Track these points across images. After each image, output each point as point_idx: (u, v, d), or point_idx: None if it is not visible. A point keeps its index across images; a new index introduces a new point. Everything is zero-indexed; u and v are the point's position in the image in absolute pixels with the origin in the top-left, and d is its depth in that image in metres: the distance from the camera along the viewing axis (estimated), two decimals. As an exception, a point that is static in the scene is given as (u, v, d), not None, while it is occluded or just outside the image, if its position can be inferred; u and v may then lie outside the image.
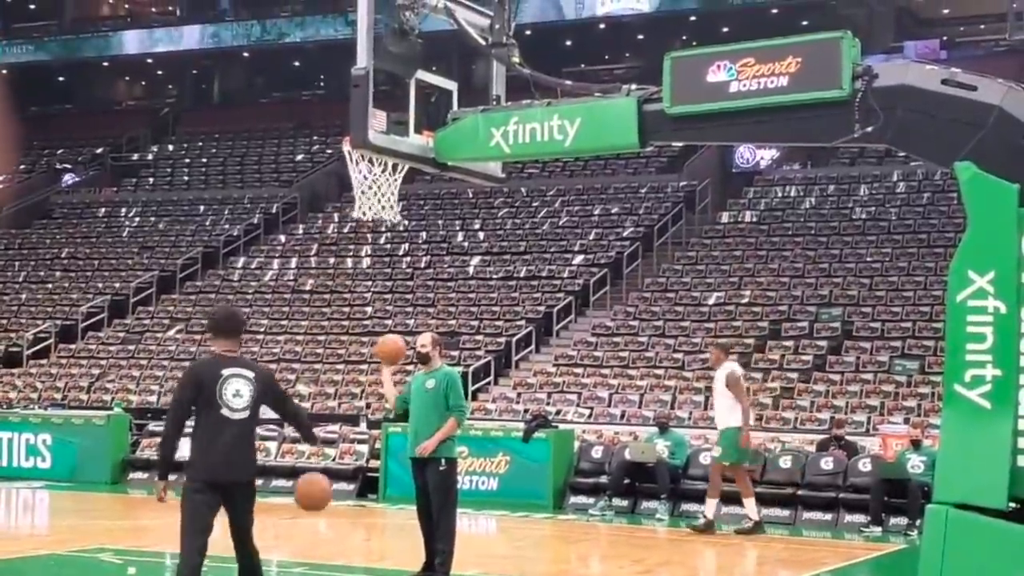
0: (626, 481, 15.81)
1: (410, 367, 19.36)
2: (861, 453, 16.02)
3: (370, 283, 27.03)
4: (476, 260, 27.20)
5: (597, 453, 16.53)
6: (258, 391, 7.22)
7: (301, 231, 31.24)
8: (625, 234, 27.25)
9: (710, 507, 13.95)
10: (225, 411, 7.11)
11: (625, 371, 21.64)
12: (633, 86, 8.88)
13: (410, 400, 9.79)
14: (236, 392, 7.15)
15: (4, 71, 42.58)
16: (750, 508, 13.89)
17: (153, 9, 43.28)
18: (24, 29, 42.58)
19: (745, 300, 23.50)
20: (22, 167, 39.29)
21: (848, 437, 16.71)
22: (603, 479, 16.05)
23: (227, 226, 32.03)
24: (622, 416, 19.87)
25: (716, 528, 13.86)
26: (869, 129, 7.77)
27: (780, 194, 28.51)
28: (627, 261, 26.11)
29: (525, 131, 8.99)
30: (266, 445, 18.11)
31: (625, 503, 15.89)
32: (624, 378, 21.30)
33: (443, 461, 9.51)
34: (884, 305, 22.61)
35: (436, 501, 9.46)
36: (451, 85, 9.58)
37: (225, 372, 7.17)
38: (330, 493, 7.81)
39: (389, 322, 24.71)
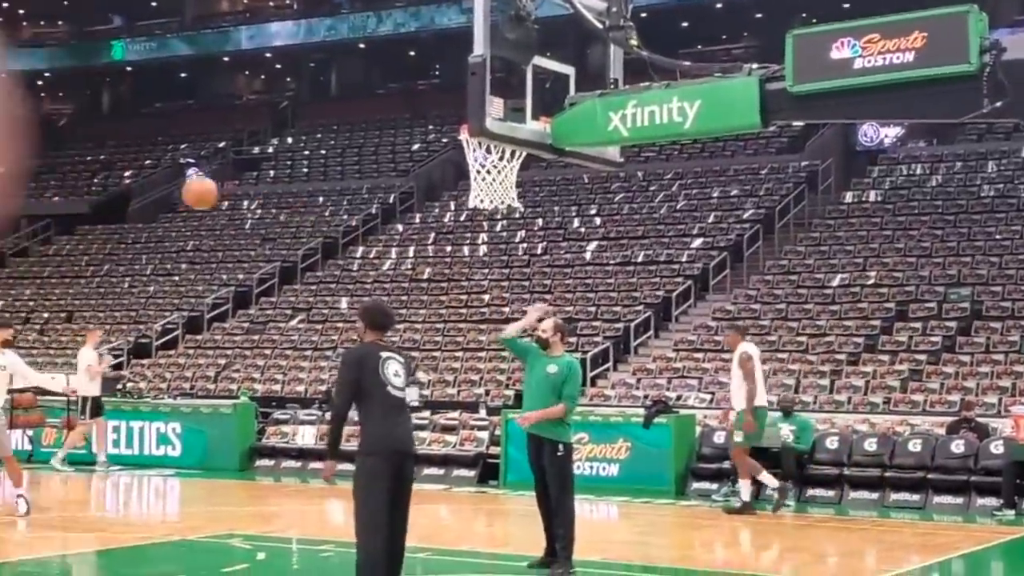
0: (750, 466, 15.61)
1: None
2: (992, 435, 15.65)
3: (487, 270, 27.10)
4: (593, 246, 27.11)
5: (719, 438, 16.36)
6: (407, 373, 7.52)
7: (418, 220, 31.45)
8: (745, 216, 26.93)
9: (745, 490, 14.04)
10: (390, 388, 7.34)
11: (747, 355, 21.34)
12: (754, 65, 8.72)
13: (527, 378, 9.81)
14: (395, 372, 7.38)
15: (128, 68, 43.60)
16: (744, 489, 14.01)
17: (271, 4, 43.91)
18: (147, 27, 43.54)
19: (871, 281, 23.07)
20: (147, 162, 40.17)
21: (979, 419, 16.34)
22: (726, 465, 15.87)
23: (345, 216, 32.37)
24: (744, 401, 19.61)
25: (754, 509, 13.89)
26: (998, 104, 7.53)
27: (905, 172, 27.94)
28: (747, 244, 25.80)
29: (644, 114, 8.88)
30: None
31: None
32: (746, 362, 21.00)
33: (560, 446, 9.57)
34: (1015, 284, 22.03)
35: (553, 486, 9.52)
36: (568, 70, 9.51)
37: (383, 355, 7.41)
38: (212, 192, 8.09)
39: (506, 309, 24.74)
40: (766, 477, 14.21)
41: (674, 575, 10.18)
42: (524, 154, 9.71)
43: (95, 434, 18.75)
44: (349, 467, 7.42)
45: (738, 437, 13.96)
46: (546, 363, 9.73)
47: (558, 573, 9.34)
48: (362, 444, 7.39)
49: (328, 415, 7.57)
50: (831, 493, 15.47)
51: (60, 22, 46.14)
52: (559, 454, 9.54)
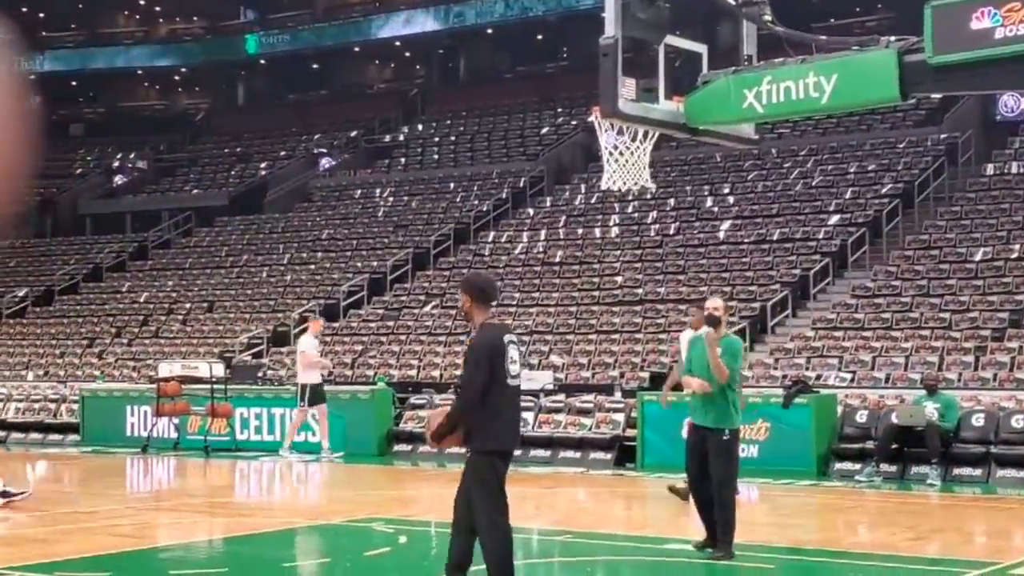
0: (894, 446, 15.34)
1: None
2: None
3: (619, 252, 27.00)
4: (727, 225, 26.83)
5: (862, 418, 16.10)
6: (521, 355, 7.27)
7: (549, 203, 31.46)
8: (883, 191, 26.39)
9: None
10: (511, 380, 7.14)
11: (888, 333, 20.98)
12: (892, 38, 8.54)
13: (691, 362, 9.77)
14: (512, 359, 7.13)
15: (261, 61, 44.41)
16: None
17: (400, -8, 44.32)
18: (279, 20, 44.29)
19: (1015, 255, 22.43)
20: (282, 153, 40.88)
21: None
22: (869, 444, 15.61)
23: (476, 202, 32.53)
24: (887, 379, 19.26)
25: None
26: None
27: (1047, 143, 27.12)
28: (886, 219, 25.26)
29: (779, 90, 8.75)
30: (523, 416, 18.35)
31: (893, 468, 15.43)
32: (887, 340, 20.64)
33: (726, 431, 9.51)
34: None
35: (717, 471, 9.44)
36: (700, 48, 9.41)
37: (506, 338, 7.18)
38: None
39: (640, 291, 24.64)
40: None
41: (819, 557, 10.04)
42: (657, 134, 9.65)
43: (318, 422, 18.75)
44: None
45: None
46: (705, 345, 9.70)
47: (718, 556, 9.31)
48: (483, 438, 7.12)
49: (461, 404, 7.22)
50: (978, 472, 15.11)
51: (195, 18, 47.17)
52: (725, 439, 9.50)
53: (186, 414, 20.22)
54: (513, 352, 7.13)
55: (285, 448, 18.67)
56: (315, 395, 18.45)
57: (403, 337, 25.58)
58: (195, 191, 39.99)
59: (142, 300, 31.67)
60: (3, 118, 1.71)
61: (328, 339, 26.54)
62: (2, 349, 30.06)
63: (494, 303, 7.43)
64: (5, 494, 12.65)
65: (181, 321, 29.61)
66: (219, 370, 20.52)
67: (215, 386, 19.70)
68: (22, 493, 12.95)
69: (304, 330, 20.07)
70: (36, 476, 18.03)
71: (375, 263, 30.09)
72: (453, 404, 7.27)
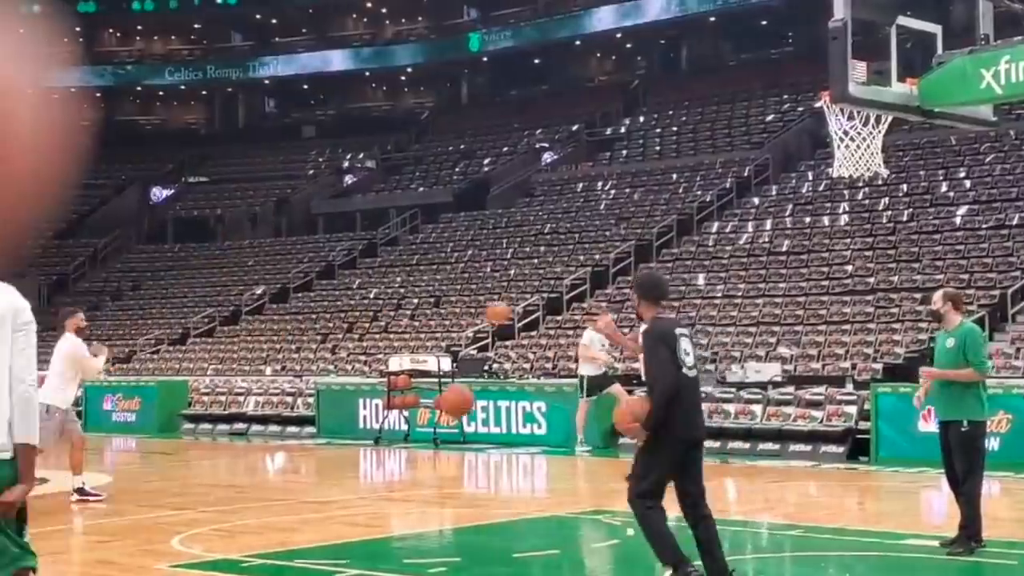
0: None
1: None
2: None
3: (849, 240, 26.36)
4: (963, 210, 25.89)
5: (1111, 411, 15.31)
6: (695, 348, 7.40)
7: (774, 192, 30.94)
8: None
9: None
10: (685, 369, 7.24)
11: None
12: None
13: (933, 361, 9.62)
14: (687, 351, 7.27)
15: (484, 59, 45.01)
16: None
17: (621, -15, 44.27)
18: (502, 16, 44.80)
19: None
20: (505, 149, 41.36)
21: None
22: (1119, 439, 14.84)
23: (699, 192, 32.24)
24: None
25: None
26: None
27: None
28: None
29: (1019, 70, 8.40)
30: (751, 408, 18.11)
31: None
32: None
33: (965, 422, 9.19)
34: None
35: (959, 464, 9.16)
36: (935, 28, 9.09)
37: (677, 331, 7.34)
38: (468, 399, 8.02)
39: (871, 279, 24.00)
40: None
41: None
42: (889, 119, 9.38)
43: (580, 413, 18.70)
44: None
45: None
46: (945, 339, 9.41)
47: (957, 552, 9.02)
48: (655, 428, 7.18)
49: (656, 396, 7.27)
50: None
51: (419, 19, 48.14)
52: (964, 430, 9.19)
53: (415, 407, 20.64)
54: (685, 344, 7.28)
55: (579, 441, 18.64)
56: (592, 387, 18.48)
57: (627, 329, 25.50)
58: (421, 189, 40.84)
59: (372, 296, 32.51)
60: (37, 131, 1.73)
61: (552, 332, 26.75)
62: (242, 345, 31.33)
63: (663, 301, 7.61)
64: (81, 491, 12.76)
65: (409, 316, 30.27)
66: (446, 364, 20.88)
67: (443, 379, 20.05)
68: (98, 496, 12.85)
69: (590, 322, 20.18)
70: (275, 467, 18.72)
71: (597, 256, 30.14)
72: (653, 399, 7.27)
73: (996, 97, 8.88)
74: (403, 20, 48.73)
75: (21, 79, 1.73)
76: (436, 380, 20.05)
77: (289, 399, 23.52)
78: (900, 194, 27.70)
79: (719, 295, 25.62)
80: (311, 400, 22.76)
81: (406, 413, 20.84)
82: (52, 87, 1.77)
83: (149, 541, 10.10)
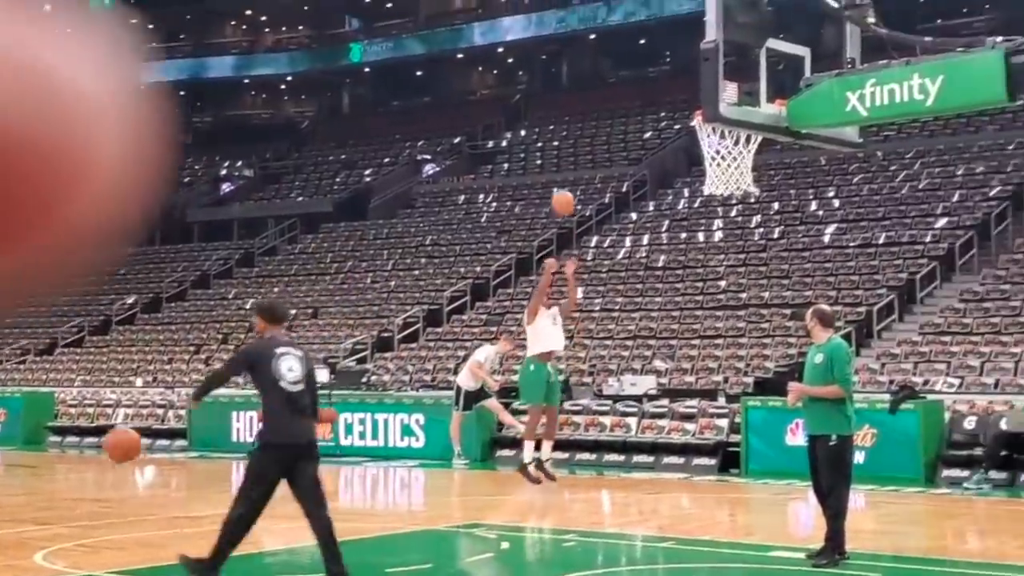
0: (1003, 453, 15.04)
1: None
2: None
3: (723, 256, 26.81)
4: (831, 228, 26.50)
5: (970, 424, 15.79)
6: (305, 367, 8.02)
7: (652, 208, 31.35)
8: (992, 194, 25.87)
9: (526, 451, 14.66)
10: (284, 384, 7.85)
11: (997, 337, 20.56)
12: (998, 38, 8.37)
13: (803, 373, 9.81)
14: (290, 367, 7.88)
15: (366, 69, 44.89)
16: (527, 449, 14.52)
17: (502, -1, 44.53)
18: (383, 28, 44.74)
19: None
20: (386, 160, 41.27)
21: None
22: (978, 451, 15.31)
23: (579, 207, 32.47)
24: (996, 385, 18.89)
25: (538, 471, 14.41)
26: None
27: None
28: (995, 222, 24.78)
29: (883, 93, 8.63)
30: (626, 421, 18.31)
31: (1003, 476, 15.12)
32: (996, 345, 20.24)
33: (833, 437, 9.39)
34: None
35: (826, 478, 9.35)
36: (802, 51, 9.31)
37: (279, 350, 7.94)
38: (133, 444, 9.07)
39: (743, 295, 24.45)
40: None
41: (925, 566, 9.87)
42: (759, 139, 9.57)
43: (454, 425, 18.73)
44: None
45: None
46: (814, 353, 9.61)
47: (821, 564, 9.20)
48: (260, 436, 8.09)
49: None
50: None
51: (300, 27, 47.84)
52: (832, 444, 9.38)
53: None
54: (290, 361, 7.91)
55: (457, 454, 18.63)
56: (468, 401, 18.48)
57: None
58: (300, 198, 40.55)
59: (248, 307, 32.16)
60: (123, 131, 1.72)
61: (432, 344, 26.73)
62: (112, 356, 30.74)
63: (283, 324, 8.45)
64: None
65: (287, 327, 29.95)
66: (323, 376, 20.74)
67: (319, 391, 19.87)
68: None
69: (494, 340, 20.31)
70: (144, 481, 18.41)
71: (478, 268, 30.23)
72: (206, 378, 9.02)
73: (861, 119, 9.11)
74: (283, 28, 48.38)
75: (104, 80, 1.71)
76: (312, 392, 19.86)
77: (160, 411, 23.17)
78: (772, 212, 28.26)
79: (597, 308, 25.86)
80: (182, 412, 22.44)
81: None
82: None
83: (12, 557, 9.87)
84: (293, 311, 30.87)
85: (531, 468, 14.64)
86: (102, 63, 1.70)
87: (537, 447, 15.24)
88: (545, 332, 14.94)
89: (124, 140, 1.73)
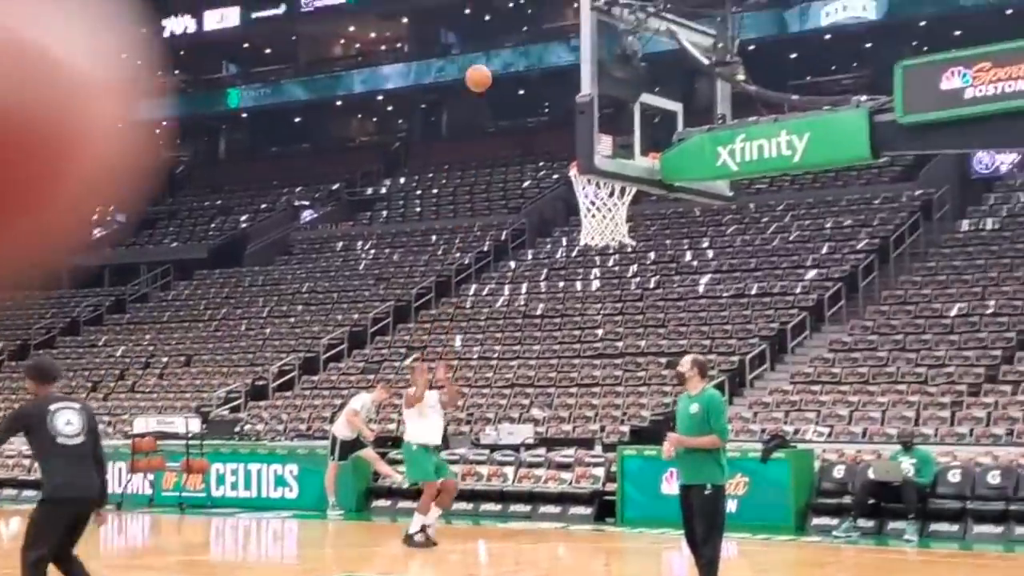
0: (871, 501, 15.36)
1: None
2: (1124, 468, 15.17)
3: (600, 305, 27.06)
4: (706, 279, 26.94)
5: (839, 473, 16.12)
6: (85, 420, 7.97)
7: (530, 257, 31.55)
8: (859, 247, 26.56)
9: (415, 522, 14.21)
10: (62, 439, 7.82)
11: (865, 387, 21.05)
12: (863, 97, 8.65)
13: (676, 423, 9.86)
14: (68, 421, 7.86)
15: (244, 114, 44.56)
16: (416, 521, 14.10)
17: (383, 47, 44.60)
18: (262, 73, 44.49)
19: (990, 310, 22.58)
20: (263, 206, 40.92)
21: (1109, 451, 15.85)
22: (846, 499, 15.62)
23: (458, 255, 32.60)
24: (864, 434, 19.32)
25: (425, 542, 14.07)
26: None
27: (1023, 199, 27.33)
28: (862, 274, 25.42)
29: (752, 148, 8.84)
30: (503, 471, 18.32)
31: (871, 524, 15.43)
32: (864, 394, 20.72)
33: (708, 486, 9.45)
34: None
35: (700, 528, 9.40)
36: (675, 106, 9.51)
37: (52, 407, 7.90)
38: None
39: (620, 344, 24.69)
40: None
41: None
42: (634, 190, 9.72)
43: (329, 475, 18.41)
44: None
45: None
46: (688, 403, 9.68)
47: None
48: (43, 491, 8.03)
49: None
50: (954, 528, 15.13)
51: (177, 71, 47.35)
52: (707, 493, 9.45)
53: (161, 470, 20.07)
54: (67, 415, 7.85)
55: (331, 505, 18.32)
56: (344, 450, 18.24)
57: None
58: (174, 244, 39.97)
59: (119, 354, 31.56)
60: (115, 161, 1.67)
61: (307, 393, 26.48)
62: (-21, 402, 29.89)
63: (55, 383, 8.35)
64: None
65: (158, 375, 29.50)
66: (195, 425, 20.41)
67: (191, 441, 19.59)
68: None
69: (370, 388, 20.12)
70: (9, 533, 17.87)
71: (356, 316, 30.07)
72: None
73: (732, 174, 9.32)
74: (159, 73, 47.80)
75: (111, 108, 1.65)
76: (183, 442, 19.57)
77: (26, 462, 22.51)
78: (648, 262, 28.64)
79: (475, 357, 25.90)
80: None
81: (151, 476, 20.24)
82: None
83: None
84: (165, 359, 30.40)
85: (417, 537, 14.13)
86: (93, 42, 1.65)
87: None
88: (421, 423, 14.38)
89: (112, 126, 1.68)
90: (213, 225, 40.58)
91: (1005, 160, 29.62)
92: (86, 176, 1.65)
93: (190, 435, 19.75)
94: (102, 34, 1.67)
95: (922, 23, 32.94)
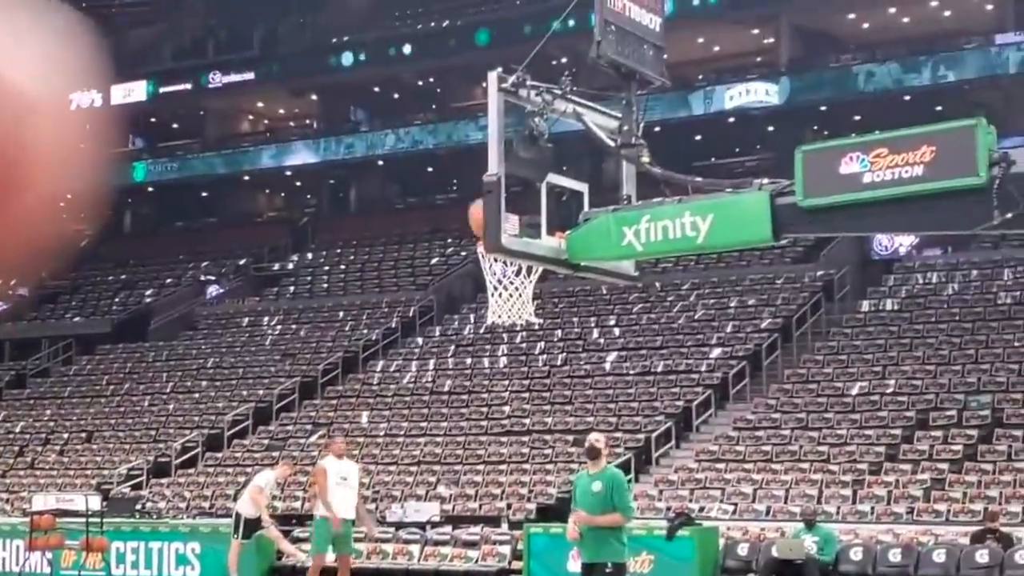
0: (774, 579, 15.48)
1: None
2: (1017, 545, 15.47)
3: (507, 382, 27.12)
4: (612, 356, 27.13)
5: (743, 550, 16.25)
6: None
7: (438, 333, 31.55)
8: (763, 326, 26.96)
9: None
10: None
11: (769, 465, 21.28)
12: (764, 180, 8.85)
13: (577, 500, 9.86)
14: None
15: (150, 188, 44.18)
16: None
17: (291, 124, 44.63)
18: (168, 148, 44.22)
19: (890, 390, 23.00)
20: (168, 281, 40.49)
21: (1003, 528, 16.16)
22: (750, 577, 15.74)
23: (366, 331, 32.50)
24: (767, 512, 19.51)
25: None
26: (1008, 216, 7.61)
27: (921, 281, 27.98)
28: (766, 353, 25.80)
29: (657, 229, 8.99)
30: (409, 548, 18.18)
31: (774, 602, 15.54)
32: (768, 472, 20.94)
33: (609, 565, 9.47)
34: (1035, 390, 21.93)
35: None
36: (582, 187, 9.64)
37: None
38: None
39: (527, 421, 24.72)
40: None
41: None
42: (541, 269, 9.81)
43: (232, 554, 17.97)
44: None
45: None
46: (589, 481, 9.70)
47: None
48: None
49: None
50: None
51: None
52: (608, 572, 9.46)
53: (60, 548, 19.61)
54: None
55: None
56: (248, 529, 17.92)
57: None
58: (76, 318, 39.33)
59: (18, 430, 30.89)
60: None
61: (211, 470, 26.11)
62: None
63: None
64: None
65: (58, 452, 28.91)
66: (95, 503, 19.98)
67: (91, 519, 19.18)
68: None
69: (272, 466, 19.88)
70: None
71: (261, 392, 29.78)
72: None
73: (637, 254, 9.45)
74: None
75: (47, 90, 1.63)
76: (84, 520, 19.15)
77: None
78: (555, 339, 28.79)
79: (382, 433, 25.76)
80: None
81: (49, 555, 19.76)
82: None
83: None
84: (66, 435, 29.81)
85: None
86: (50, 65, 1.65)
87: None
88: (333, 498, 14.27)
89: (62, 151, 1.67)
90: (117, 299, 40.04)
91: (904, 242, 30.34)
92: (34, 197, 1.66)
93: (90, 513, 19.32)
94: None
95: (822, 108, 33.78)
